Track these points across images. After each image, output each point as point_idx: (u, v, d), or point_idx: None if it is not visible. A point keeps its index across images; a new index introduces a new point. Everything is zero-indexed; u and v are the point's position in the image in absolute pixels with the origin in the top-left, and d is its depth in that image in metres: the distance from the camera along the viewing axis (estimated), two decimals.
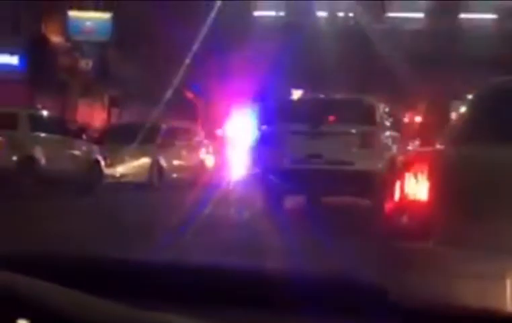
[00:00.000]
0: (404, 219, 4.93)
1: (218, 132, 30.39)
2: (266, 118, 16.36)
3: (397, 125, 16.49)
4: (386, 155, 14.16)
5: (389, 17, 42.24)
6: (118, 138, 20.87)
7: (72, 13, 32.18)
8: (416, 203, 4.86)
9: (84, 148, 19.57)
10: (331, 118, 14.60)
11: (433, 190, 4.82)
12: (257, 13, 43.12)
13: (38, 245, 7.54)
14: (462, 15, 41.06)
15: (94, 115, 32.31)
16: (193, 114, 33.38)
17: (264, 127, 15.85)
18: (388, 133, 15.06)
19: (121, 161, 20.32)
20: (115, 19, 31.84)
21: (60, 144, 18.47)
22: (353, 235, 9.45)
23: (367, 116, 14.42)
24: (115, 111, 34.30)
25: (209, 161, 24.40)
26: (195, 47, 24.28)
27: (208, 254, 7.47)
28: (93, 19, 32.54)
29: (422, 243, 4.65)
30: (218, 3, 24.67)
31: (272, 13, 42.95)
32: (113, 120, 32.90)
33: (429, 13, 40.84)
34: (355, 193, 14.22)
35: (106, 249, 7.28)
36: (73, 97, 31.72)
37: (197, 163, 23.31)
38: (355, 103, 15.28)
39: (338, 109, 14.97)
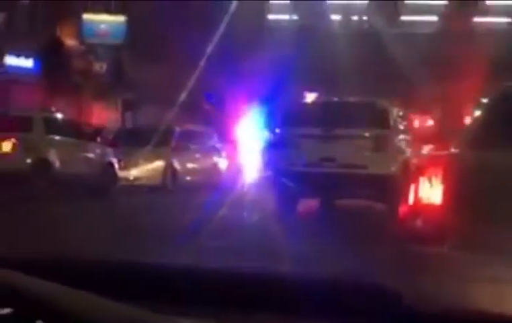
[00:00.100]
0: (419, 223, 4.92)
1: (232, 135, 30.38)
2: (279, 120, 16.34)
3: (411, 128, 16.45)
4: (400, 159, 14.12)
5: (403, 21, 42.14)
6: (132, 141, 20.92)
7: (87, 16, 32.28)
8: (430, 207, 4.85)
9: (98, 151, 19.61)
10: (344, 121, 14.57)
11: (447, 193, 4.80)
12: (271, 17, 43.12)
13: (51, 247, 7.56)
14: (476, 18, 40.91)
15: (108, 118, 32.36)
16: (206, 117, 33.41)
17: (277, 130, 15.84)
18: (401, 136, 15.02)
19: (135, 164, 20.35)
20: (130, 22, 31.91)
21: (74, 147, 18.52)
22: (366, 238, 9.43)
23: (381, 120, 14.39)
24: (129, 114, 34.35)
25: (223, 163, 24.41)
26: (209, 50, 24.29)
27: (220, 257, 7.47)
28: (107, 22, 32.62)
29: (437, 248, 4.64)
30: (233, 6, 24.67)
31: (286, 17, 42.92)
32: (127, 122, 32.95)
33: (442, 16, 40.73)
34: (368, 196, 14.20)
35: (119, 252, 7.29)
36: (87, 100, 31.79)
37: (211, 166, 23.32)
38: (369, 107, 15.24)
39: (351, 112, 14.95)
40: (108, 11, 32.86)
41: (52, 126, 18.27)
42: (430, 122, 37.42)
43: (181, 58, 28.11)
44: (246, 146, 26.95)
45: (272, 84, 30.93)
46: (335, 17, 41.85)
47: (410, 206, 5.03)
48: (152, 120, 26.51)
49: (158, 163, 20.88)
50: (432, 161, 5.55)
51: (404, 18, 42.32)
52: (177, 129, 22.39)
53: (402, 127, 15.41)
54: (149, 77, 29.86)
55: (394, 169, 13.62)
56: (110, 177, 19.08)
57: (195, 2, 31.92)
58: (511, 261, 3.79)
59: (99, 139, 20.66)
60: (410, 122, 16.86)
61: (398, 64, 33.84)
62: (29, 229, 10.31)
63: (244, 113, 31.96)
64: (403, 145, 14.91)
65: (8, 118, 18.07)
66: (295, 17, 42.39)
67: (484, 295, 1.86)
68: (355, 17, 42.24)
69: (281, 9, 43.07)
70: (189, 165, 22.30)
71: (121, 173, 19.68)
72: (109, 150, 19.87)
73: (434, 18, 41.43)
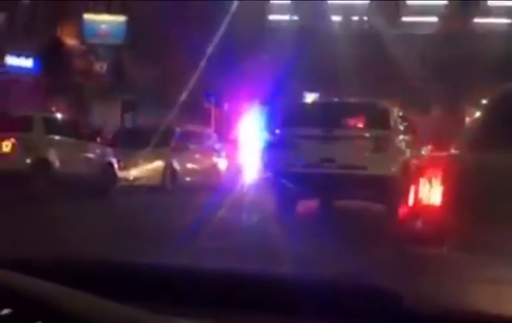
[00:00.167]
0: (418, 224, 4.92)
1: (231, 135, 30.39)
2: (279, 121, 16.33)
3: (411, 129, 16.44)
4: (400, 160, 14.11)
5: (404, 22, 42.16)
6: (132, 141, 20.92)
7: (88, 16, 32.29)
8: (430, 208, 4.84)
9: (98, 151, 19.61)
10: (344, 121, 14.57)
11: (447, 195, 4.80)
12: (271, 17, 43.15)
13: (50, 247, 7.56)
14: (477, 19, 40.92)
15: (108, 118, 32.36)
16: (206, 117, 33.41)
17: (277, 131, 15.83)
18: (401, 137, 15.01)
19: (135, 164, 20.34)
20: (130, 23, 31.93)
21: (73, 147, 18.51)
22: (366, 240, 9.43)
23: (381, 120, 14.37)
24: (129, 114, 34.37)
25: (222, 164, 24.41)
26: (209, 50, 24.30)
27: (219, 258, 7.47)
28: (108, 22, 32.63)
29: (437, 249, 4.64)
30: (233, 6, 24.68)
31: (286, 17, 42.94)
32: (127, 123, 32.95)
33: (442, 17, 40.74)
34: (368, 197, 14.19)
35: (118, 252, 7.29)
36: (87, 100, 31.80)
37: (210, 167, 23.32)
38: (369, 107, 15.24)
39: (351, 113, 14.94)
40: (109, 11, 32.87)
41: (51, 126, 18.27)
42: (431, 123, 37.42)
43: (181, 58, 28.13)
44: (246, 146, 26.96)
45: (272, 84, 30.93)
46: (336, 18, 41.87)
47: (410, 207, 5.03)
48: (152, 120, 26.51)
49: (158, 164, 20.88)
50: (432, 162, 5.55)
51: (404, 19, 42.34)
52: (177, 129, 22.39)
53: (402, 128, 15.40)
54: (149, 77, 29.89)
55: (394, 170, 13.62)
56: (110, 177, 19.07)
57: (196, 2, 31.93)
58: (511, 262, 3.79)
59: (98, 139, 20.65)
60: (410, 122, 16.83)
61: (398, 65, 33.86)
62: (28, 229, 10.31)
63: (244, 113, 31.96)
64: (403, 145, 14.89)
65: (8, 117, 18.05)
66: (295, 17, 42.41)
67: (483, 296, 1.86)
68: (355, 18, 42.25)
69: (281, 10, 43.09)
70: (189, 166, 22.30)
71: (120, 174, 19.67)
72: (109, 150, 19.86)
73: (435, 19, 41.43)
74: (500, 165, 4.86)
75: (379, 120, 14.36)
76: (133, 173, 20.31)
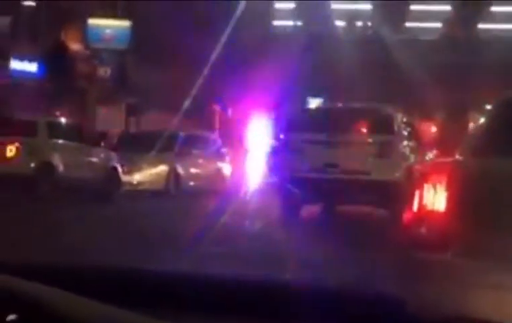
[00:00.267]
0: (422, 230, 4.91)
1: (235, 140, 30.39)
2: (283, 127, 16.35)
3: (415, 135, 16.43)
4: (404, 165, 14.10)
5: (407, 27, 42.16)
6: (136, 146, 20.93)
7: (92, 21, 32.32)
8: (434, 214, 4.84)
9: (102, 155, 19.63)
10: (348, 127, 14.56)
11: (451, 200, 4.80)
12: (276, 23, 43.18)
13: (53, 252, 7.56)
14: (480, 25, 40.89)
15: (112, 122, 32.38)
16: (211, 122, 33.44)
17: (281, 136, 15.84)
18: (405, 143, 15.00)
19: (139, 169, 20.35)
20: (134, 27, 31.96)
21: (78, 151, 18.53)
22: (370, 245, 9.41)
23: (385, 126, 14.37)
24: (133, 119, 34.39)
25: (227, 169, 24.40)
26: (213, 55, 24.31)
27: (223, 263, 7.46)
28: (112, 26, 32.66)
29: (441, 255, 4.63)
30: (238, 11, 24.69)
31: (290, 23, 42.96)
32: (131, 127, 32.98)
33: (446, 22, 40.72)
34: (372, 203, 14.19)
35: (121, 258, 7.28)
36: (91, 104, 31.83)
37: (215, 172, 23.31)
38: (373, 113, 15.24)
39: (355, 118, 14.94)
40: (115, 15, 32.89)
41: (55, 130, 18.30)
42: (435, 129, 37.43)
43: (185, 63, 28.14)
44: (251, 151, 26.97)
45: (276, 90, 30.95)
46: (339, 23, 41.87)
47: (414, 212, 5.03)
48: (155, 124, 26.51)
49: (162, 168, 20.88)
50: (436, 168, 5.55)
51: (408, 24, 42.34)
52: (181, 134, 22.39)
53: (406, 133, 15.39)
54: (153, 82, 29.90)
55: (398, 175, 13.61)
56: (114, 181, 19.07)
57: (200, 7, 31.96)
58: None
59: (102, 144, 20.67)
60: (414, 128, 16.82)
61: (402, 71, 33.83)
62: (31, 232, 10.31)
63: (248, 118, 31.97)
64: (407, 151, 14.89)
65: (12, 122, 18.09)
66: (299, 23, 42.42)
67: (487, 302, 1.85)
68: (359, 23, 42.26)
69: (285, 15, 43.11)
70: (193, 171, 22.29)
71: (124, 178, 19.67)
72: (113, 154, 19.87)
73: (439, 25, 41.42)
74: (504, 171, 4.85)
75: (383, 126, 14.36)
76: (137, 177, 20.32)
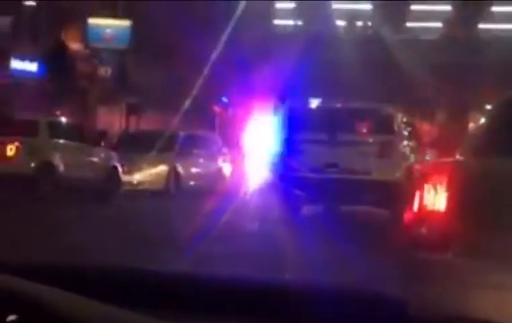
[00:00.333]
0: (423, 230, 4.90)
1: (236, 140, 30.37)
2: (284, 127, 16.33)
3: (415, 135, 16.44)
4: (404, 165, 14.11)
5: (408, 27, 42.15)
6: (136, 146, 20.92)
7: (92, 21, 32.32)
8: (435, 214, 4.83)
9: (102, 155, 19.62)
10: (349, 127, 14.56)
11: (452, 201, 4.79)
12: (276, 22, 43.19)
13: (53, 251, 7.57)
14: (481, 25, 40.88)
15: (112, 122, 32.39)
16: (211, 122, 33.43)
17: (282, 136, 15.83)
18: (406, 143, 15.02)
19: (139, 169, 20.34)
20: (135, 27, 31.96)
21: (78, 151, 18.53)
22: (371, 245, 9.41)
23: (385, 126, 14.38)
24: (133, 118, 34.41)
25: (227, 169, 24.39)
26: (214, 54, 24.30)
27: (223, 264, 7.45)
28: (112, 26, 32.65)
29: (442, 255, 4.62)
30: (238, 11, 24.69)
31: (291, 22, 42.97)
32: (132, 127, 32.99)
33: (447, 22, 40.71)
34: (372, 203, 14.19)
35: (121, 258, 7.29)
36: (92, 104, 31.83)
37: (215, 171, 23.30)
38: (373, 113, 15.24)
39: (356, 118, 14.94)
40: (115, 15, 32.89)
41: (56, 130, 18.30)
42: (435, 128, 37.41)
43: (185, 62, 28.14)
44: (251, 151, 26.95)
45: (276, 89, 30.92)
46: (340, 23, 41.87)
47: (415, 213, 5.02)
48: (156, 124, 26.49)
49: (162, 168, 20.87)
50: (437, 168, 5.54)
51: (409, 24, 42.33)
52: (181, 134, 22.38)
53: (406, 133, 15.40)
54: (153, 81, 29.90)
55: (398, 175, 13.61)
56: (114, 181, 19.06)
57: (201, 7, 31.96)
58: None
59: (103, 143, 20.66)
60: (415, 128, 16.83)
61: (402, 70, 33.82)
62: (32, 232, 10.32)
63: (249, 118, 31.96)
64: (407, 151, 14.91)
65: (12, 121, 18.09)
66: (299, 22, 42.43)
67: (488, 302, 1.85)
68: (359, 23, 42.26)
69: (286, 15, 43.12)
70: (193, 170, 22.29)
71: (124, 178, 19.66)
72: (114, 154, 19.86)
73: (439, 25, 41.40)
74: (504, 171, 4.85)
75: (383, 126, 14.37)
76: (137, 177, 20.31)
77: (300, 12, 42.23)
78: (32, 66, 29.61)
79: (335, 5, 42.01)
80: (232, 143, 27.88)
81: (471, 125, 30.81)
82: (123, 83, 31.96)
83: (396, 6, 40.18)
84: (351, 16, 42.00)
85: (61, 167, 17.60)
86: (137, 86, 31.11)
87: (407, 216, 5.42)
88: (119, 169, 19.43)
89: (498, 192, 4.75)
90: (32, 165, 16.96)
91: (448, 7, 41.40)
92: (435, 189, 4.86)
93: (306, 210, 14.81)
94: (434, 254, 4.69)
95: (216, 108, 35.33)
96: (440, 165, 6.17)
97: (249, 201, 17.13)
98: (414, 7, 42.31)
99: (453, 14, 40.59)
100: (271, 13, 42.61)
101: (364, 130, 14.51)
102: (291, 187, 14.15)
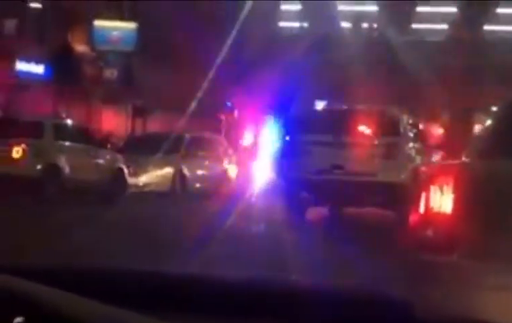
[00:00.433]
0: (429, 232, 4.89)
1: (242, 142, 30.41)
2: (289, 128, 16.33)
3: (421, 136, 16.41)
4: (410, 167, 14.09)
5: (414, 29, 42.13)
6: (142, 148, 20.93)
7: (98, 23, 32.36)
8: (441, 216, 4.82)
9: (108, 157, 19.63)
10: (354, 128, 14.55)
11: (458, 202, 4.78)
12: (282, 24, 43.22)
13: (58, 253, 7.57)
14: (486, 27, 40.85)
15: (118, 124, 32.44)
16: (217, 124, 33.45)
17: (287, 138, 15.83)
18: (411, 144, 14.99)
19: (145, 171, 20.34)
20: (141, 29, 32.00)
21: (84, 153, 18.55)
22: (376, 247, 9.40)
23: (391, 127, 14.37)
24: (139, 120, 34.45)
25: (233, 171, 24.38)
26: (220, 57, 24.31)
27: (228, 265, 7.46)
28: (118, 28, 32.70)
29: (448, 257, 4.61)
30: (244, 13, 24.71)
31: (296, 24, 42.99)
32: (137, 129, 33.02)
33: (453, 24, 40.68)
34: (378, 204, 14.18)
35: (126, 259, 7.29)
36: (98, 106, 31.88)
37: (221, 173, 23.29)
38: (379, 114, 15.23)
39: (361, 120, 14.93)
40: (121, 17, 32.93)
41: (62, 132, 18.32)
42: (441, 130, 37.36)
43: (191, 65, 28.17)
44: (257, 153, 26.96)
45: (282, 91, 30.95)
46: (345, 25, 41.87)
47: (421, 214, 5.01)
48: (162, 126, 26.50)
49: (168, 170, 20.87)
50: (443, 169, 5.54)
51: (415, 26, 42.32)
52: (187, 136, 22.39)
53: (412, 135, 15.38)
54: (159, 83, 29.93)
55: (403, 177, 13.60)
56: (120, 183, 19.06)
57: (207, 9, 31.99)
58: None
59: (109, 145, 20.68)
60: (420, 129, 16.81)
61: (408, 72, 33.82)
62: (38, 234, 10.32)
63: (255, 120, 31.97)
64: (413, 152, 14.88)
65: (18, 123, 18.13)
66: (305, 24, 42.44)
67: (494, 304, 1.85)
68: (365, 25, 42.25)
69: (292, 16, 43.13)
70: (199, 172, 22.28)
71: (130, 180, 19.67)
72: (119, 156, 19.87)
73: (445, 26, 41.38)
74: (510, 173, 4.84)
75: (389, 127, 14.35)
76: (143, 179, 20.31)
77: (306, 14, 42.25)
78: (38, 68, 29.65)
79: (341, 7, 42.01)
80: (237, 145, 27.90)
81: (477, 127, 30.77)
82: (129, 85, 32.01)
83: (401, 8, 40.18)
84: (357, 18, 41.99)
85: (67, 170, 17.61)
86: (143, 88, 31.15)
87: (413, 218, 5.41)
88: (125, 171, 19.44)
89: (504, 193, 4.75)
90: (38, 167, 16.99)
91: (454, 9, 41.37)
92: (441, 191, 4.85)
93: (312, 211, 14.80)
94: (440, 255, 4.68)
95: (222, 116, 35.36)
96: (446, 166, 6.16)
97: (255, 203, 17.12)
98: (419, 9, 42.29)
99: (458, 16, 40.55)
100: (276, 15, 42.63)
101: (370, 132, 14.50)
102: (296, 189, 14.14)
